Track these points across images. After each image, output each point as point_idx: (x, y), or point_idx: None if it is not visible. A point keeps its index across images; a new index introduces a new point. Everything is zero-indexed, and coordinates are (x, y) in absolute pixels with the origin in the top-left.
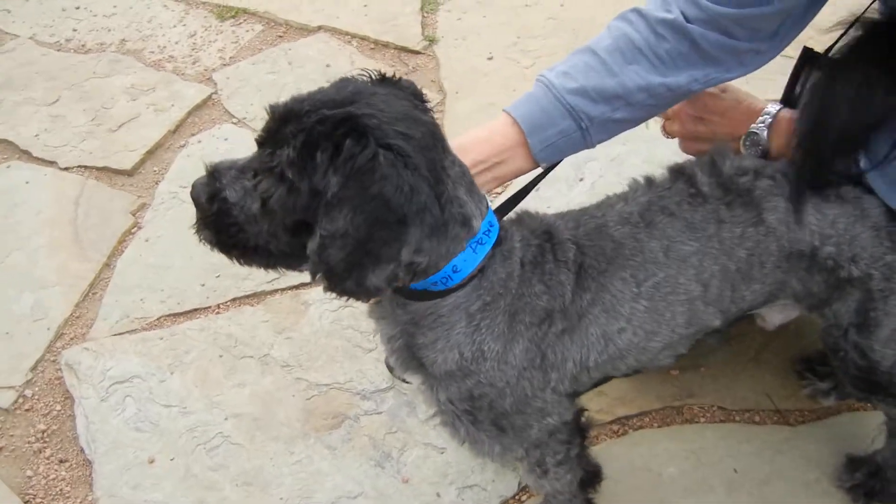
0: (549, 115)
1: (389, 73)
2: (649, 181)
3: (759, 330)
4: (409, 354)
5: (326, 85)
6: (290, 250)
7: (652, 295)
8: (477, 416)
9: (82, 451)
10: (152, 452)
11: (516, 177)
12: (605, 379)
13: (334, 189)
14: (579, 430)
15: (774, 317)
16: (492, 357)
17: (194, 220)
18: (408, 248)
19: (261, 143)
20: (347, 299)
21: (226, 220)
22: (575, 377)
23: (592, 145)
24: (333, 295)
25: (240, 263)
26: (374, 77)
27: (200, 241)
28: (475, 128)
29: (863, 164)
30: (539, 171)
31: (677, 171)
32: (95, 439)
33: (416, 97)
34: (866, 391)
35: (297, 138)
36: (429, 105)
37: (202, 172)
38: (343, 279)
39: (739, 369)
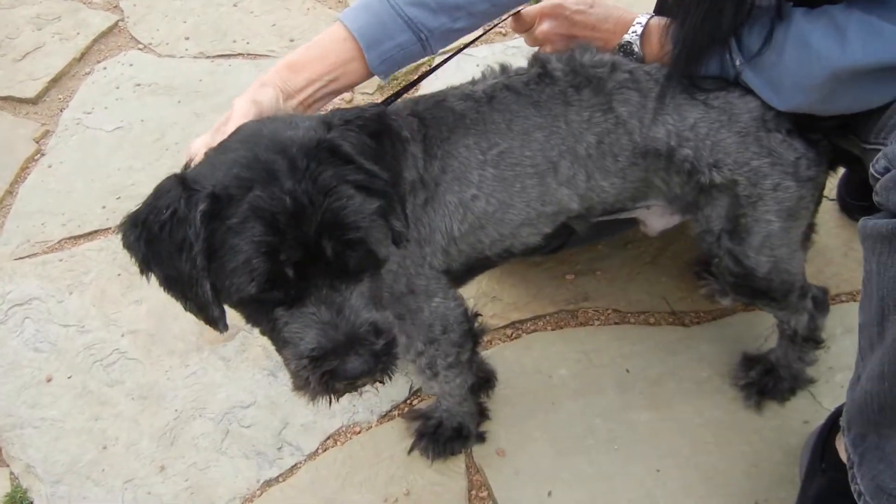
0: (387, 29)
1: None
2: (503, 67)
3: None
4: None
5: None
6: None
7: (498, 163)
8: None
9: None
10: (50, 371)
11: (351, 88)
12: (480, 265)
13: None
14: (472, 334)
15: (655, 221)
16: None
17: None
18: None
19: (296, 290)
20: None
21: (384, 326)
22: (445, 250)
23: (433, 54)
24: None
25: None
26: None
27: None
28: (306, 44)
29: (738, 61)
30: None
31: (534, 59)
32: None
33: None
34: (749, 296)
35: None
36: None
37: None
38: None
39: (636, 273)
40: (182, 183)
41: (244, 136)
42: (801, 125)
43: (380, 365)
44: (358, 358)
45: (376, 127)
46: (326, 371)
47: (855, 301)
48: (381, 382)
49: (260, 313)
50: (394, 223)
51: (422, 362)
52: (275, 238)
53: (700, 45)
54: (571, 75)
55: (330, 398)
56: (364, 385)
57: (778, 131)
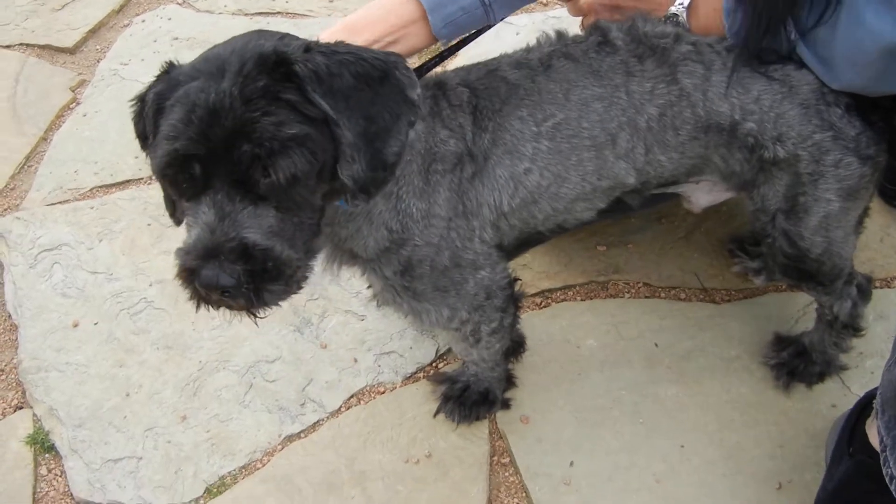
0: None
1: None
2: (560, 34)
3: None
4: (336, 250)
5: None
6: (321, 209)
7: (553, 135)
8: (417, 287)
9: (10, 316)
10: (77, 317)
11: (412, 55)
12: (533, 239)
13: (329, 110)
14: (513, 299)
15: (701, 197)
16: (421, 216)
17: (238, 309)
18: (406, 116)
19: (200, 184)
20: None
21: (269, 254)
22: (495, 224)
23: (495, 21)
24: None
25: (297, 290)
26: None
27: (262, 313)
28: (366, 6)
29: (792, 35)
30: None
31: (593, 27)
32: (22, 304)
33: None
34: (796, 278)
35: (257, 108)
36: None
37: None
38: (376, 176)
39: (668, 247)
40: (168, 67)
41: (235, 38)
42: (859, 104)
43: (243, 287)
44: (214, 269)
45: (371, 72)
46: (190, 268)
47: (890, 287)
48: (251, 313)
49: (175, 198)
50: (343, 169)
51: (466, 330)
52: (186, 127)
53: (777, 15)
54: (634, 45)
55: (202, 303)
56: (234, 307)
57: (837, 106)
